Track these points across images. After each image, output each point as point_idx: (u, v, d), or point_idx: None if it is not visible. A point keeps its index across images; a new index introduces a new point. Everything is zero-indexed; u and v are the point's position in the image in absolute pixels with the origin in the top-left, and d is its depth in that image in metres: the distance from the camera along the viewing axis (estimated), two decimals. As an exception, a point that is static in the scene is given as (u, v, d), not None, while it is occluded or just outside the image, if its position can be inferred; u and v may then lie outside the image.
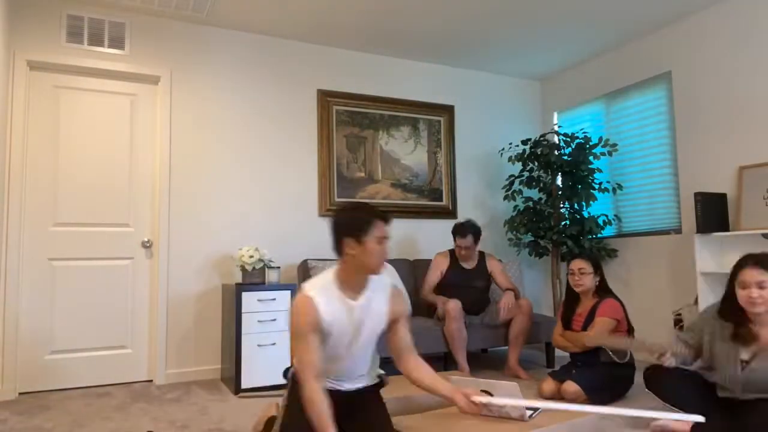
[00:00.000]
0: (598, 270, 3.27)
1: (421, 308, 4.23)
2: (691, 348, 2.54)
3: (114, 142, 3.85)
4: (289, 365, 2.40)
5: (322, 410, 1.87)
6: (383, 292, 2.12)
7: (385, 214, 2.03)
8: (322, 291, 2.01)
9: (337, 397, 2.00)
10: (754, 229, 3.54)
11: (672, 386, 2.55)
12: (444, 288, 3.96)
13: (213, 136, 4.07)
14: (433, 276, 4.00)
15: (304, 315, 1.95)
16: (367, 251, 1.97)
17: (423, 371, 2.11)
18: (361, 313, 2.06)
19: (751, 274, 2.28)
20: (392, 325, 2.14)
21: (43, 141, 3.66)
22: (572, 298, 3.34)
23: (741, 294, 2.31)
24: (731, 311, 2.38)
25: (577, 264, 3.27)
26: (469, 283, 3.95)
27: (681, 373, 2.55)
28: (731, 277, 2.38)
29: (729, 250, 3.70)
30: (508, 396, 2.31)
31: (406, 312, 2.17)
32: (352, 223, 1.99)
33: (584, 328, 3.16)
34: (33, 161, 3.63)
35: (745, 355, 2.33)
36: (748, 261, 2.31)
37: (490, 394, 2.35)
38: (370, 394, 2.16)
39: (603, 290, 3.25)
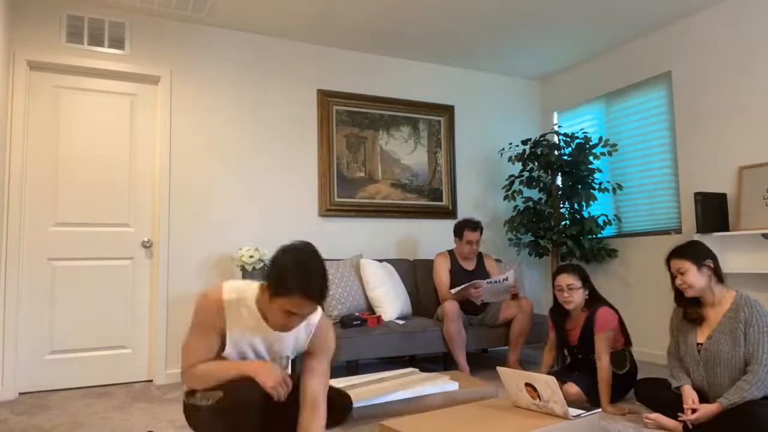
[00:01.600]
0: (586, 283, 3.03)
1: (421, 308, 4.23)
2: (677, 355, 2.65)
3: (114, 142, 3.85)
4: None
5: (220, 364, 1.82)
6: (305, 329, 1.99)
7: (313, 292, 1.74)
8: (241, 303, 1.88)
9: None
10: (754, 229, 3.54)
11: (659, 396, 2.64)
12: (444, 288, 3.96)
13: (213, 136, 4.07)
14: (444, 276, 3.97)
15: (208, 312, 1.86)
16: (271, 310, 1.81)
17: (316, 419, 1.91)
18: (279, 342, 1.95)
19: (673, 265, 2.51)
20: (307, 355, 2.02)
21: (43, 141, 3.66)
22: (560, 313, 3.13)
23: (675, 284, 2.54)
24: (680, 300, 2.58)
25: (565, 279, 2.99)
26: (469, 283, 3.95)
27: (668, 383, 2.65)
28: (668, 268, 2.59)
29: (729, 250, 3.70)
30: (549, 391, 2.37)
31: (327, 350, 2.02)
32: (274, 273, 1.78)
33: (581, 340, 3.05)
34: (33, 161, 3.62)
35: (700, 337, 2.49)
36: (670, 253, 2.54)
37: (534, 389, 2.43)
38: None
39: (594, 300, 3.05)
